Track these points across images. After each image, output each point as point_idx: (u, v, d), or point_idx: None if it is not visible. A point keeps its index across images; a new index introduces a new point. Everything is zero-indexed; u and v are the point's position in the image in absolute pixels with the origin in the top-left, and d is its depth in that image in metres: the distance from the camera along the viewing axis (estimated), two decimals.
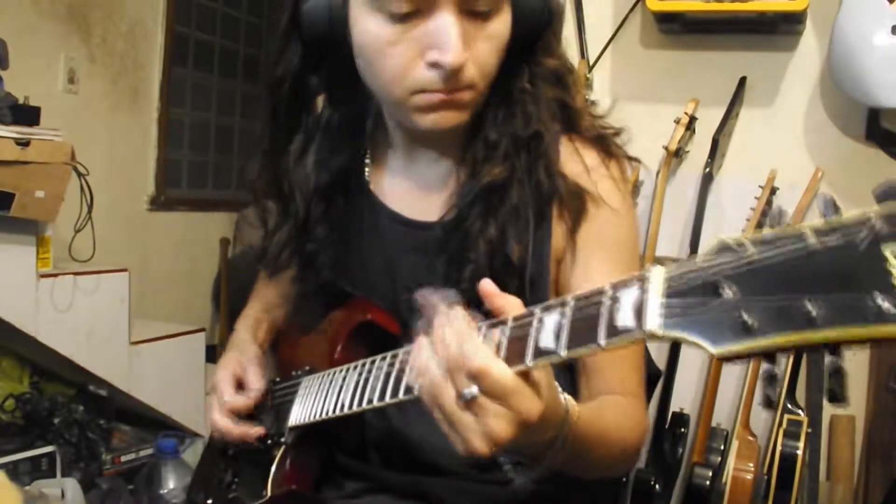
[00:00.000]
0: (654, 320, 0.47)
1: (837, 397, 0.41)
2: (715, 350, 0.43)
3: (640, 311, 0.48)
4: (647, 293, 0.48)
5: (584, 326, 0.53)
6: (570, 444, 0.65)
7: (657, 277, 0.49)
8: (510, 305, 0.61)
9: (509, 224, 0.84)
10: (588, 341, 0.52)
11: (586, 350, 0.52)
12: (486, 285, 0.63)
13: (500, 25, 0.80)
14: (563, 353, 0.54)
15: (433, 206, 0.91)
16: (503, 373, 0.56)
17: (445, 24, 0.75)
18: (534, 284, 0.85)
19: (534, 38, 0.84)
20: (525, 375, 0.58)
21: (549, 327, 0.56)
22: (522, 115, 0.86)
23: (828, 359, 0.42)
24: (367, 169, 0.97)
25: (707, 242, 0.45)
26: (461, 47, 0.75)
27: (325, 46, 0.82)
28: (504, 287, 0.84)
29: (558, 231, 0.86)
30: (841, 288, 0.39)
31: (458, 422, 0.59)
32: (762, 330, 0.42)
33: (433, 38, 0.75)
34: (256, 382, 0.97)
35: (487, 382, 0.57)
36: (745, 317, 0.42)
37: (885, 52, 1.64)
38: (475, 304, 0.84)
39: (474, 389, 0.57)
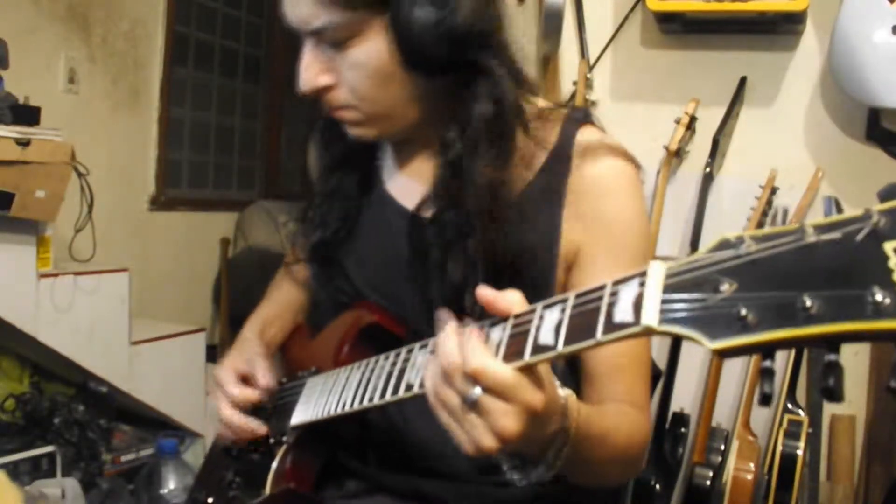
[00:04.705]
0: (651, 315, 0.47)
1: (834, 395, 0.41)
2: (712, 345, 0.43)
3: (638, 306, 0.49)
4: (646, 288, 0.49)
5: (582, 321, 0.53)
6: (571, 441, 0.66)
7: (657, 273, 0.49)
8: (512, 304, 0.61)
9: (510, 221, 0.83)
10: (586, 336, 0.52)
11: (584, 344, 0.52)
12: (484, 292, 0.63)
13: (362, 55, 0.81)
14: (561, 347, 0.54)
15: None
16: (500, 369, 0.57)
17: (303, 52, 0.82)
18: (537, 283, 0.85)
19: (449, 52, 0.79)
20: (526, 370, 0.58)
21: (550, 324, 0.56)
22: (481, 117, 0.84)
23: (825, 356, 0.42)
24: (380, 163, 0.99)
25: (709, 239, 0.45)
26: (305, 75, 0.83)
27: None
28: (502, 286, 0.84)
29: (569, 233, 0.86)
30: (840, 283, 0.39)
31: (464, 422, 0.59)
32: (759, 325, 0.42)
33: None
34: (265, 378, 0.96)
35: (486, 380, 0.57)
36: (743, 312, 0.42)
37: (885, 52, 1.64)
38: (475, 299, 0.84)
39: (477, 391, 0.58)
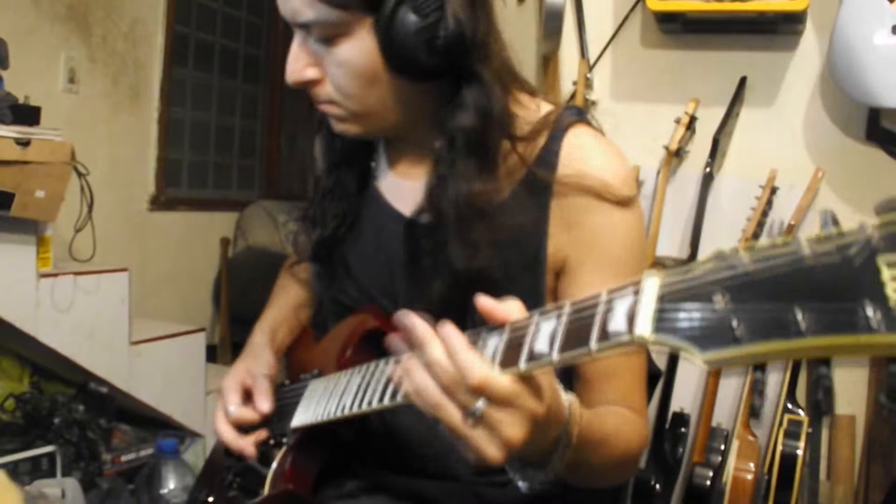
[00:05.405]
0: (644, 326, 0.48)
1: (822, 409, 0.41)
2: (702, 357, 0.44)
3: (632, 317, 0.49)
4: (641, 300, 0.49)
5: (577, 332, 0.53)
6: (573, 445, 0.66)
7: (652, 285, 0.49)
8: (510, 313, 0.61)
9: (497, 225, 0.82)
10: (580, 346, 0.52)
11: (577, 354, 0.53)
12: (483, 301, 0.62)
13: (346, 53, 0.80)
14: (556, 356, 0.54)
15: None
16: (502, 380, 0.57)
17: (292, 43, 0.83)
18: (524, 291, 0.83)
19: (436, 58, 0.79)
20: (525, 378, 0.58)
21: (545, 332, 0.56)
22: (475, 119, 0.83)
23: (817, 370, 0.41)
24: (374, 163, 0.99)
25: (706, 249, 0.45)
26: (291, 67, 0.84)
27: None
28: (492, 289, 0.83)
29: (556, 234, 0.85)
30: (832, 297, 0.39)
31: (468, 436, 0.59)
32: (749, 338, 0.42)
33: None
34: (264, 403, 0.94)
35: (491, 392, 0.57)
36: (734, 325, 0.42)
37: (885, 52, 1.64)
38: (466, 304, 0.84)
39: (481, 404, 0.57)
